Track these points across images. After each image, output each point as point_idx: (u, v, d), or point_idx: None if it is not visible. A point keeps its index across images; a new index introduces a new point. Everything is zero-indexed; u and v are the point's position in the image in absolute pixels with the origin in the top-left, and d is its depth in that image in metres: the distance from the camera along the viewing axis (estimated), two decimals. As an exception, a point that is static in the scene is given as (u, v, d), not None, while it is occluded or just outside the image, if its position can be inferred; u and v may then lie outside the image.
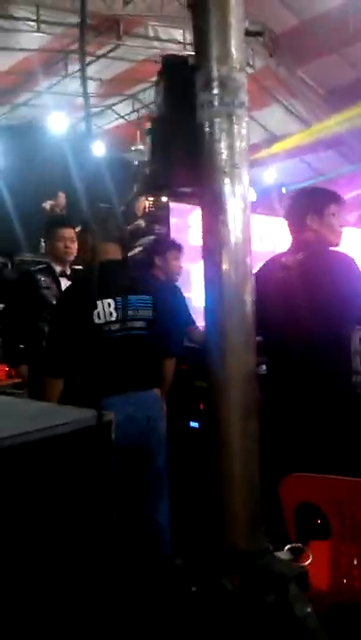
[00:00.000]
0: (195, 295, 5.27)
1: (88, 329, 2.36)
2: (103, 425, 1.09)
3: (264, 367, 3.29)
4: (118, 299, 2.43)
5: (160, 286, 3.09)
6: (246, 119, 1.02)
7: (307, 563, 1.13)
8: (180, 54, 1.07)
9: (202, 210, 1.05)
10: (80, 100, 10.56)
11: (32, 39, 8.12)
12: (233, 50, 1.00)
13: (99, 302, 2.39)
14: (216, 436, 1.05)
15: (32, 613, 0.94)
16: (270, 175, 11.27)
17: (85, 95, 0.99)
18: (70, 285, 3.11)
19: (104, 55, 8.85)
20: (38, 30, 7.53)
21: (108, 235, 2.50)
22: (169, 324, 2.76)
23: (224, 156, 1.00)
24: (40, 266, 4.20)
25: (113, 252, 2.52)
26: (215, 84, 1.00)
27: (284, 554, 1.09)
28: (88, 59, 9.13)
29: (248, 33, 1.04)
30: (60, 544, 0.99)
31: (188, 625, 1.01)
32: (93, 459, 1.07)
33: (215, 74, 1.00)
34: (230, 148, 1.00)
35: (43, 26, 7.55)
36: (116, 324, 2.42)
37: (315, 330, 2.73)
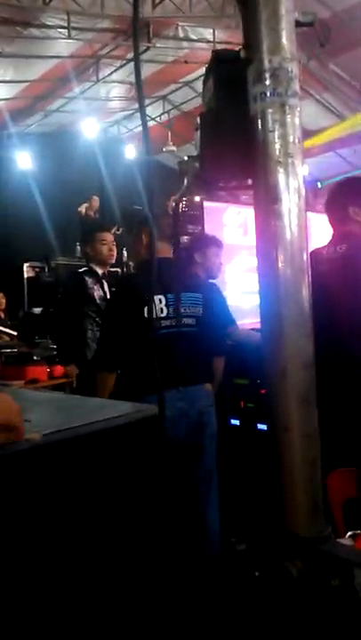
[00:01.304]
0: (229, 294, 5.27)
1: (139, 324, 2.41)
2: (151, 419, 1.12)
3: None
4: (170, 295, 2.47)
5: (207, 284, 3.12)
6: (299, 109, 1.03)
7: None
8: (231, 49, 1.08)
9: (255, 204, 1.06)
10: (111, 105, 10.67)
11: (63, 46, 8.25)
12: (284, 41, 1.01)
13: (151, 298, 2.43)
14: (276, 422, 1.06)
15: (82, 602, 0.96)
16: (304, 170, 11.17)
17: (140, 99, 1.01)
18: (122, 282, 3.19)
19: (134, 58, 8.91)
20: (69, 37, 7.63)
21: (161, 233, 2.55)
22: (217, 322, 2.79)
23: (278, 146, 1.01)
24: (85, 268, 4.33)
25: (165, 250, 2.56)
26: (267, 75, 1.01)
27: (346, 540, 1.10)
28: (118, 62, 9.24)
29: (299, 24, 1.05)
30: (110, 536, 1.01)
31: (252, 610, 1.03)
32: (144, 452, 1.09)
33: (267, 65, 1.01)
34: (284, 137, 1.01)
35: (73, 32, 7.65)
36: (166, 320, 2.46)
37: (358, 322, 2.71)
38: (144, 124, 1.04)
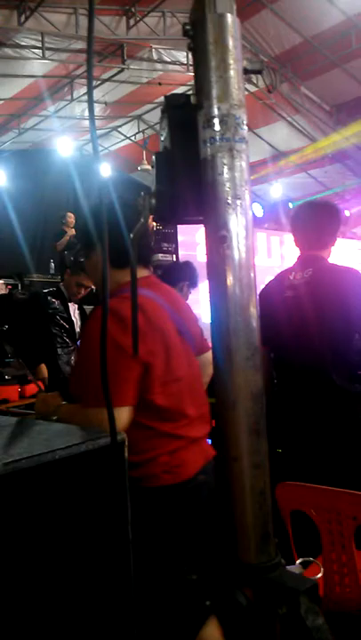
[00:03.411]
0: (203, 312, 5.33)
1: None
2: (117, 445, 1.12)
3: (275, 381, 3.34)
4: None
5: None
6: (246, 153, 1.08)
7: (318, 576, 1.17)
8: (182, 93, 1.12)
9: (207, 241, 1.11)
10: (86, 123, 10.74)
11: (38, 66, 8.30)
12: (232, 88, 1.06)
13: None
14: (226, 452, 1.09)
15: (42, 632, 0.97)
16: (277, 190, 11.37)
17: (92, 119, 1.05)
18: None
19: (109, 79, 9.02)
20: (44, 57, 7.69)
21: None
22: None
23: (226, 188, 1.05)
24: (52, 288, 4.43)
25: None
26: (216, 121, 1.06)
27: (295, 567, 1.13)
28: (93, 82, 9.34)
29: (247, 71, 1.10)
30: (70, 564, 1.01)
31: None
32: (107, 479, 1.09)
33: (216, 112, 1.06)
34: (232, 180, 1.06)
35: (48, 53, 7.72)
36: None
37: (323, 345, 2.77)
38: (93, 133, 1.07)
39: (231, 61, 1.06)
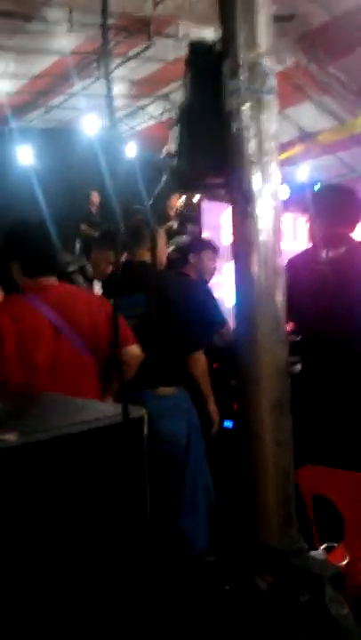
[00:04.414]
0: (226, 295, 5.23)
1: None
2: (132, 421, 1.08)
3: (298, 366, 3.26)
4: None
5: (178, 283, 3.05)
6: (277, 106, 0.99)
7: (344, 562, 1.10)
8: (207, 41, 1.04)
9: (232, 206, 1.03)
10: (114, 102, 10.63)
11: (65, 41, 8.19)
12: (260, 35, 0.98)
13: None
14: (248, 430, 1.02)
15: (57, 603, 0.93)
16: (303, 172, 11.13)
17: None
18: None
19: (135, 56, 8.87)
20: (71, 32, 7.58)
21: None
22: (186, 320, 2.70)
23: (253, 144, 0.97)
24: (73, 268, 4.40)
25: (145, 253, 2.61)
26: (243, 70, 0.97)
27: (319, 553, 1.06)
28: (119, 60, 9.20)
29: (277, 18, 1.01)
30: (91, 537, 0.98)
31: (220, 624, 0.99)
32: (124, 454, 1.06)
33: (242, 60, 0.97)
34: (259, 135, 0.98)
35: (75, 27, 7.59)
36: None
37: (354, 325, 2.69)
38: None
39: (260, 5, 0.97)
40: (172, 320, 2.61)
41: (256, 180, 0.98)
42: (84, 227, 8.92)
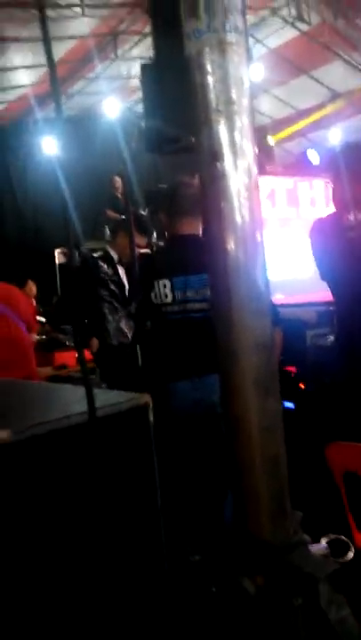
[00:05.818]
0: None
1: (150, 309, 2.34)
2: (138, 409, 1.06)
3: (331, 337, 3.12)
4: (176, 279, 2.32)
5: None
6: (242, 46, 0.87)
7: (349, 557, 0.99)
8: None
9: (198, 163, 0.91)
10: (133, 83, 10.50)
11: (79, 26, 8.09)
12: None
13: (155, 282, 2.32)
14: (230, 414, 0.92)
15: (57, 601, 0.91)
16: (335, 135, 10.69)
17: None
18: (140, 262, 3.14)
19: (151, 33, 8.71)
20: (83, 14, 7.47)
21: (180, 208, 2.40)
22: None
23: (216, 92, 0.85)
24: (100, 252, 4.37)
25: (188, 226, 2.39)
26: (201, 6, 0.85)
27: (319, 546, 0.95)
28: (135, 38, 9.02)
29: None
30: (100, 525, 0.96)
31: (207, 630, 0.90)
32: (132, 443, 1.04)
33: (200, -5, 0.85)
34: (223, 81, 0.85)
35: (87, 10, 7.48)
36: (172, 305, 2.33)
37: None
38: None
39: None
40: None
41: (223, 134, 0.86)
42: (109, 212, 8.87)
